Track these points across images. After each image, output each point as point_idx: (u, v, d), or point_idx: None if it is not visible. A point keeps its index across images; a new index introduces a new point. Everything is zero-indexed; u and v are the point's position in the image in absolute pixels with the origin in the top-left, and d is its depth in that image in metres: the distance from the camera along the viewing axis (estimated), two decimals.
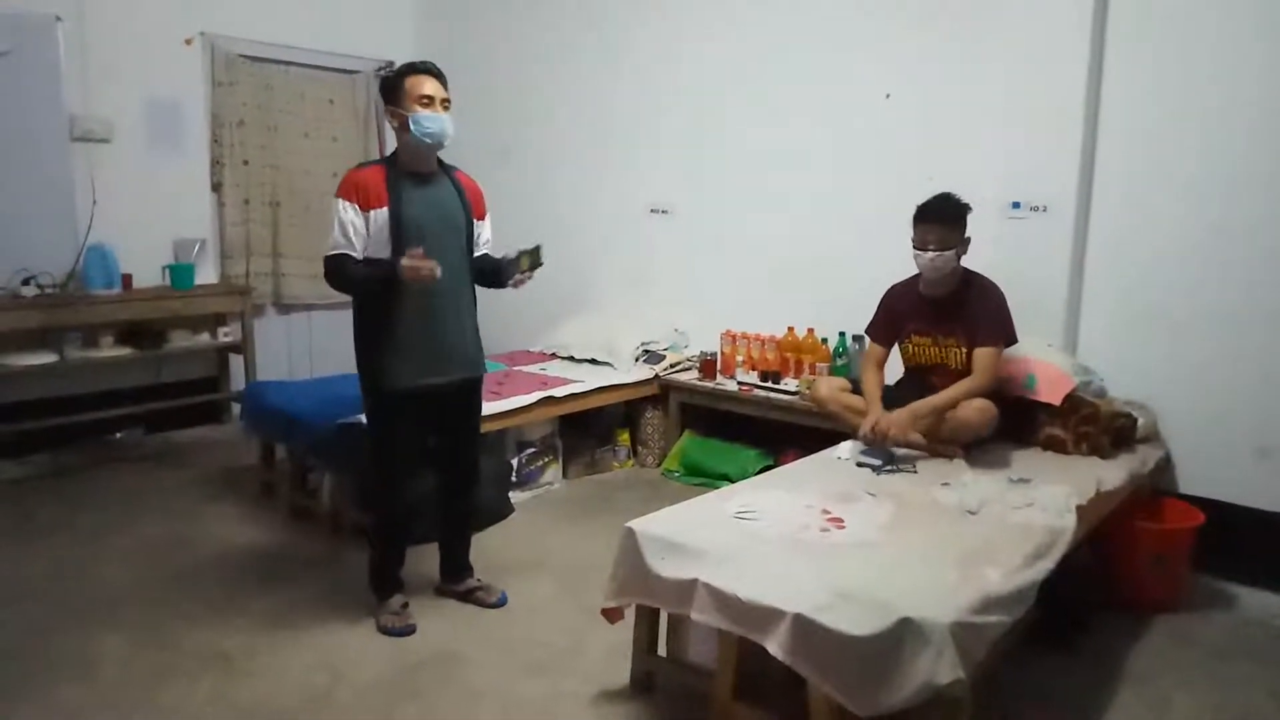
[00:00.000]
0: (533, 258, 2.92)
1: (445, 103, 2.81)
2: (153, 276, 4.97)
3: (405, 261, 2.66)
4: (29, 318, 4.39)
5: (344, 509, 3.71)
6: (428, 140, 2.77)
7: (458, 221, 2.90)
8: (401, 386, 2.83)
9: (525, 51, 5.62)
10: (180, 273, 4.97)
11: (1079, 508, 2.69)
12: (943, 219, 3.17)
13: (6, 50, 4.42)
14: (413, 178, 2.82)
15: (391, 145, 5.89)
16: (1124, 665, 2.81)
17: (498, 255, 3.02)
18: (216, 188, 5.38)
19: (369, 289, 2.79)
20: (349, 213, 2.73)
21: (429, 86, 2.78)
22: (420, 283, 2.68)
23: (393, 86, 2.81)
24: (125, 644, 2.85)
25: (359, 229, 2.74)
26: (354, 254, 2.76)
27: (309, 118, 5.70)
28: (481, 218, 3.01)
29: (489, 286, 3.04)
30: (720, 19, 4.71)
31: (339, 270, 2.77)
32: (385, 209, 2.73)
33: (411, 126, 2.75)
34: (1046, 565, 2.38)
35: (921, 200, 3.25)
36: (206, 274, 5.24)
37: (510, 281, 2.95)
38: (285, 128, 5.60)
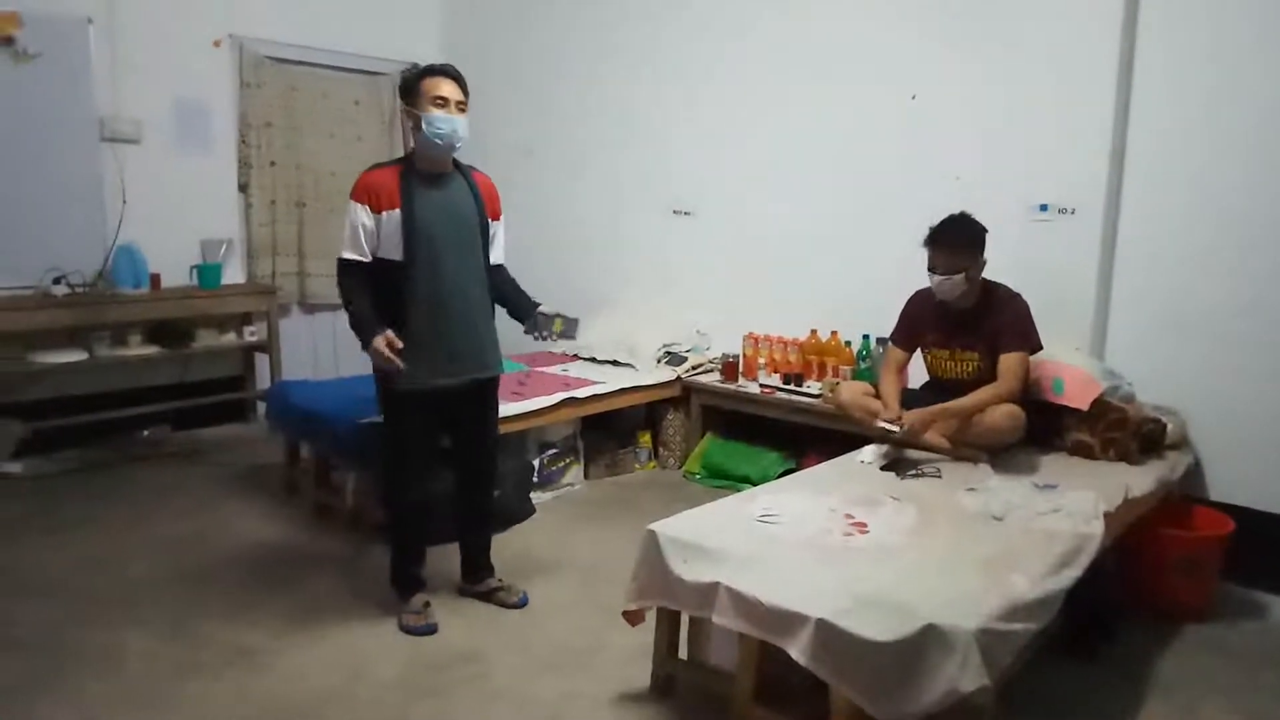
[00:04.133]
0: (566, 327, 2.99)
1: (461, 105, 2.84)
2: (180, 276, 5.02)
3: (377, 344, 2.73)
4: (59, 316, 4.45)
5: (366, 508, 3.73)
6: (438, 141, 2.80)
7: (470, 222, 2.91)
8: (411, 387, 2.85)
9: (550, 52, 5.63)
10: (207, 272, 5.02)
11: (1106, 514, 2.65)
12: (948, 244, 3.16)
13: (39, 52, 4.48)
14: (426, 179, 2.85)
15: None
16: (1151, 674, 2.77)
17: (532, 300, 3.06)
18: (243, 188, 5.43)
19: (351, 318, 2.84)
20: (361, 215, 2.78)
21: (445, 88, 2.81)
22: (379, 366, 2.78)
23: (410, 87, 2.85)
24: (150, 639, 2.88)
25: (370, 231, 2.79)
26: (362, 259, 2.81)
27: (334, 118, 5.74)
28: (496, 218, 3.01)
29: (503, 307, 3.08)
30: (746, 20, 4.70)
31: (344, 278, 2.85)
32: (397, 211, 2.77)
33: (424, 126, 2.79)
34: (1073, 573, 2.35)
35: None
36: (233, 274, 5.30)
37: (535, 334, 3.01)
38: (311, 128, 5.64)
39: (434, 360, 2.85)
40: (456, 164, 2.95)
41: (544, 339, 3.04)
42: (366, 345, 2.78)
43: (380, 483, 3.53)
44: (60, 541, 3.63)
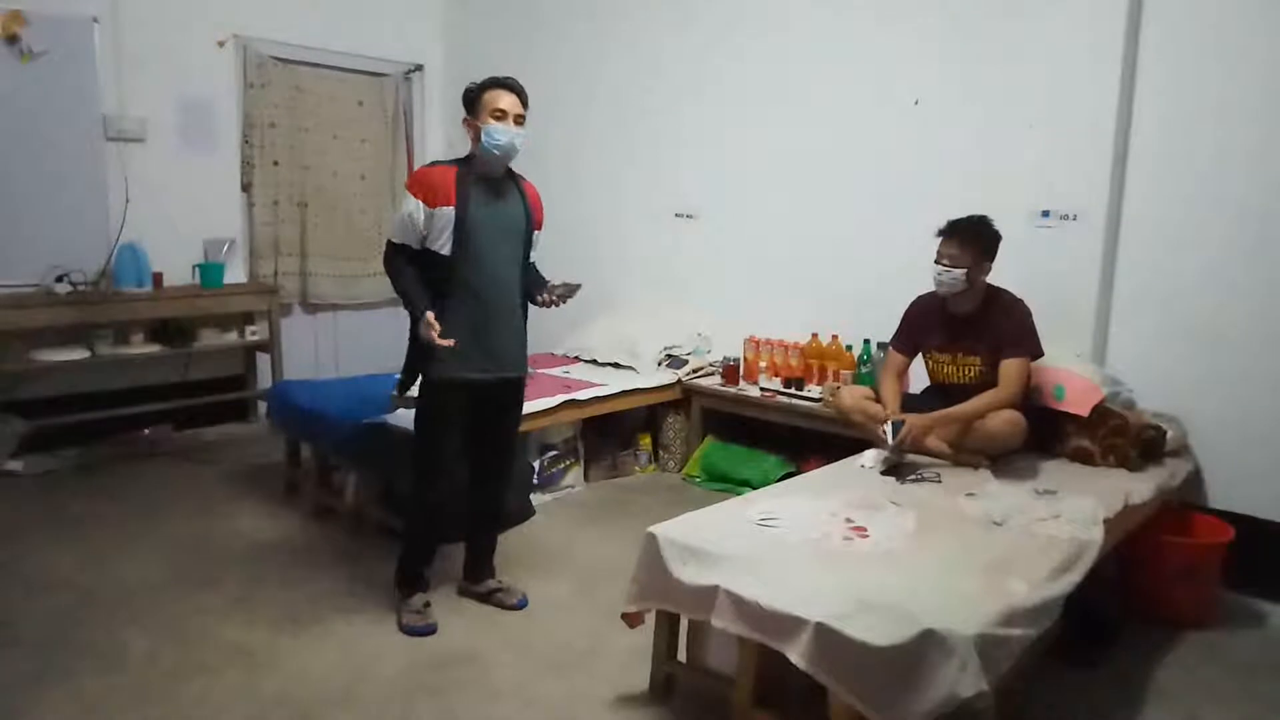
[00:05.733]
0: (568, 289, 3.03)
1: (519, 119, 2.90)
2: (183, 275, 5.02)
3: (427, 321, 2.77)
4: (62, 314, 4.46)
5: (367, 508, 3.74)
6: (495, 152, 2.87)
7: (518, 228, 2.99)
8: (451, 375, 2.90)
9: (552, 55, 5.64)
10: (210, 272, 5.03)
11: (1106, 521, 2.66)
12: (960, 237, 3.16)
13: (44, 51, 4.50)
14: (483, 181, 2.92)
15: (419, 148, 6.09)
16: (1150, 681, 2.78)
17: (545, 275, 3.13)
18: (246, 188, 5.43)
19: (401, 297, 2.93)
20: (413, 207, 2.85)
21: (505, 101, 2.87)
22: (428, 343, 2.79)
23: (473, 98, 2.91)
24: (151, 637, 2.88)
25: (418, 224, 2.86)
26: (411, 245, 2.90)
27: (338, 119, 5.74)
28: (539, 227, 3.10)
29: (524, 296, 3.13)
30: (748, 24, 4.71)
31: (393, 260, 2.94)
32: (451, 208, 2.84)
33: (482, 137, 2.85)
34: (1073, 578, 2.35)
35: (947, 211, 3.26)
36: (235, 273, 5.31)
37: (540, 296, 3.05)
38: (315, 129, 5.64)
39: (471, 355, 2.91)
40: (510, 172, 3.01)
41: (549, 302, 3.05)
42: (417, 322, 2.83)
43: (387, 483, 3.55)
44: (61, 539, 3.64)
